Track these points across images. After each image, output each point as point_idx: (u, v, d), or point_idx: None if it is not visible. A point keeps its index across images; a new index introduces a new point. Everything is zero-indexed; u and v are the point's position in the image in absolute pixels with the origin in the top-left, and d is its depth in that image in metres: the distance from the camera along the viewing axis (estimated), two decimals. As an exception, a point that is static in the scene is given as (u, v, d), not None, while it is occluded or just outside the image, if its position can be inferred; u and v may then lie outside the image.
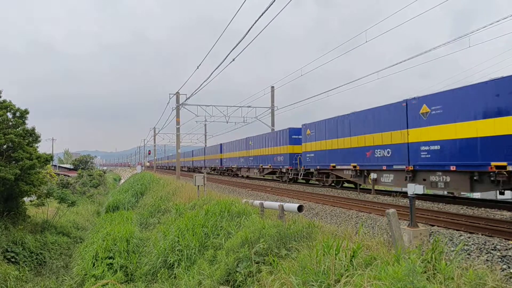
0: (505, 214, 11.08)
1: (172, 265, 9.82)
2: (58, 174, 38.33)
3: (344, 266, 5.00)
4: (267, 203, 11.05)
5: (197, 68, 23.90)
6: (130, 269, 11.89)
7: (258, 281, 6.53)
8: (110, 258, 12.43)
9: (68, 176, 42.05)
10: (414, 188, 8.32)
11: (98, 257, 12.43)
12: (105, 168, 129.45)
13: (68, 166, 77.74)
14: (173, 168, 69.84)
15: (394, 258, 4.56)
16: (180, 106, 35.14)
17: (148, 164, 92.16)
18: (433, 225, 9.38)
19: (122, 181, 73.93)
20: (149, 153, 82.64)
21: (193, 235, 10.07)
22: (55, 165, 67.06)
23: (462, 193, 17.72)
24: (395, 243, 5.96)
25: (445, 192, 17.12)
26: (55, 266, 15.67)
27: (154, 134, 66.92)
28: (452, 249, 6.76)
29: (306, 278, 5.14)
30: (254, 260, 7.17)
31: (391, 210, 6.30)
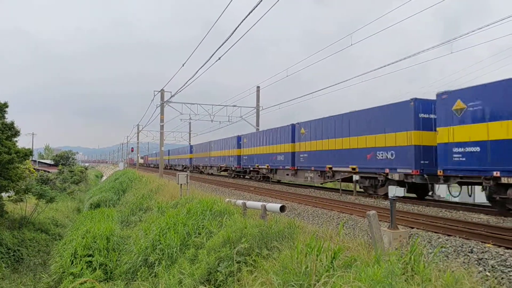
0: (482, 218, 11.33)
1: (153, 264, 9.73)
2: (38, 170, 37.57)
3: (325, 267, 5.04)
4: (249, 203, 11.06)
5: (182, 65, 23.75)
6: (109, 267, 11.75)
7: (238, 281, 6.53)
8: (89, 256, 12.25)
9: (48, 172, 41.25)
10: (395, 191, 8.42)
11: (77, 254, 12.24)
12: (87, 164, 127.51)
13: (48, 161, 76.31)
14: (167, 167, 70.22)
15: (374, 259, 4.61)
16: (164, 104, 34.85)
17: (142, 161, 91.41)
18: (412, 227, 9.52)
19: (104, 178, 72.95)
20: (132, 151, 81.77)
21: (174, 234, 10.00)
22: (35, 161, 65.75)
23: (441, 196, 18.07)
24: (375, 245, 6.03)
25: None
26: (33, 263, 15.38)
27: (138, 131, 66.22)
28: (430, 251, 6.87)
29: (286, 278, 5.15)
30: (236, 260, 7.16)
31: (372, 212, 6.37)
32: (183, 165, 59.81)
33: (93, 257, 12.08)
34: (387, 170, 16.31)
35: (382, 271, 3.64)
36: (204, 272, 7.42)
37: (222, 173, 42.49)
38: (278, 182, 29.78)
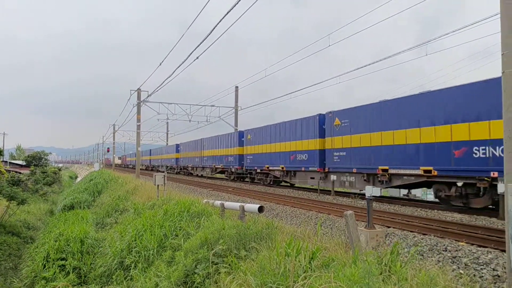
0: (456, 216, 11.60)
1: (129, 267, 9.53)
2: (9, 171, 36.35)
3: (303, 267, 5.02)
4: (228, 204, 10.99)
5: (160, 64, 23.47)
6: (83, 270, 11.45)
7: (216, 283, 6.46)
8: (62, 259, 11.91)
9: (20, 173, 39.99)
10: (371, 191, 8.52)
11: (50, 258, 11.88)
12: (60, 165, 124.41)
13: (20, 162, 73.99)
14: (148, 168, 68.60)
15: (351, 260, 4.63)
16: (141, 103, 34.35)
17: (119, 161, 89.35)
18: (389, 227, 9.65)
19: (78, 179, 71.35)
20: (108, 151, 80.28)
21: (151, 236, 9.82)
22: (6, 161, 63.64)
23: (417, 195, 18.45)
24: (352, 245, 6.07)
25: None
26: (3, 268, 14.83)
27: (114, 131, 65.06)
28: (406, 250, 6.97)
29: (264, 280, 5.11)
30: (213, 261, 7.09)
31: (349, 212, 6.41)
32: (167, 166, 56.55)
33: (66, 260, 11.75)
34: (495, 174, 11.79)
35: (360, 271, 3.64)
36: (181, 274, 7.31)
37: (217, 175, 38.50)
38: (293, 187, 25.98)
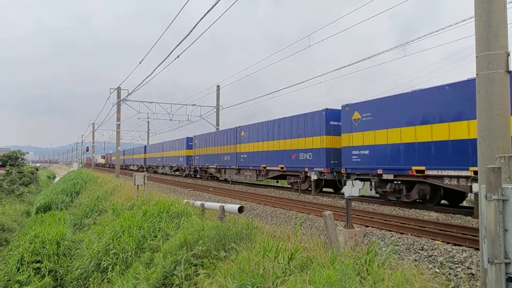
0: (432, 215, 11.80)
1: (106, 269, 9.36)
2: (-17, 171, 35.33)
3: (282, 268, 5.01)
4: (208, 204, 10.92)
5: (140, 63, 23.17)
6: (60, 273, 11.19)
7: (195, 284, 6.40)
8: (37, 262, 11.60)
9: (-6, 173, 38.92)
10: (350, 191, 8.59)
11: (24, 261, 11.56)
12: (38, 165, 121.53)
13: (-6, 162, 71.99)
14: (122, 167, 68.08)
15: (329, 261, 4.63)
16: (121, 102, 33.86)
17: (103, 160, 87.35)
18: (367, 226, 9.75)
19: (57, 179, 69.88)
20: (87, 150, 78.85)
21: (129, 237, 9.67)
22: (-21, 161, 61.81)
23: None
24: (330, 245, 6.09)
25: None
26: (-25, 271, 14.38)
27: (93, 130, 63.92)
28: (384, 249, 7.04)
29: (243, 281, 5.08)
30: (192, 263, 7.03)
31: (328, 212, 6.43)
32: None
33: (41, 263, 11.46)
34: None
35: (337, 273, 3.65)
36: (160, 276, 7.22)
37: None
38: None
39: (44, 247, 12.18)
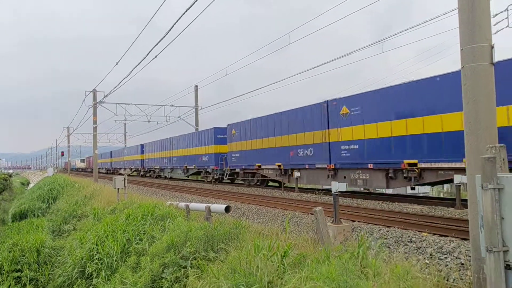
0: (416, 208, 11.99)
1: (91, 275, 9.11)
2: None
3: (276, 266, 4.96)
4: (193, 205, 10.78)
5: (116, 64, 22.71)
6: (41, 281, 10.87)
7: (185, 287, 6.29)
8: (18, 271, 11.23)
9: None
10: (337, 186, 8.61)
11: (3, 270, 11.17)
12: (11, 171, 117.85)
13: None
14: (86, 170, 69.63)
15: (324, 256, 4.61)
16: (97, 104, 33.15)
17: (83, 164, 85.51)
18: (354, 221, 9.81)
19: (31, 185, 67.92)
20: (62, 154, 76.95)
21: (113, 241, 9.43)
22: None
23: (376, 189, 18.85)
24: (322, 241, 6.08)
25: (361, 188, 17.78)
26: None
27: (68, 134, 62.41)
28: (373, 243, 7.08)
29: (236, 281, 5.00)
30: (181, 265, 6.91)
31: (318, 208, 6.42)
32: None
33: (22, 272, 11.09)
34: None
35: (337, 268, 3.61)
36: (148, 280, 7.07)
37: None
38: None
39: (24, 255, 11.80)
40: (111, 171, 62.50)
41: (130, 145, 58.83)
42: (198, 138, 30.36)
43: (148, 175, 45.55)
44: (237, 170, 24.52)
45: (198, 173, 31.43)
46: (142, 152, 46.76)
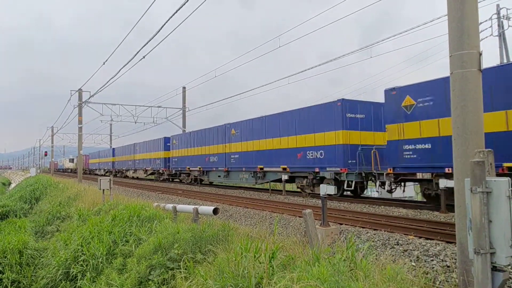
0: (402, 211, 12.13)
1: (75, 277, 8.96)
2: None
3: (264, 268, 4.95)
4: (180, 207, 10.72)
5: (103, 64, 22.49)
6: (24, 284, 10.65)
7: (172, 288, 6.24)
8: (-1, 273, 10.98)
9: None
10: (326, 189, 8.67)
11: (-16, 272, 10.91)
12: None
13: None
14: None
15: (314, 258, 4.62)
16: (83, 104, 32.73)
17: (71, 164, 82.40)
18: (341, 224, 9.87)
19: (12, 185, 66.59)
20: (46, 155, 75.65)
21: (99, 243, 9.30)
22: None
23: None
24: (311, 243, 6.10)
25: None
26: None
27: (52, 134, 61.44)
28: (361, 246, 7.14)
29: (224, 283, 4.98)
30: (168, 267, 6.86)
31: (308, 211, 6.45)
32: (105, 169, 66.48)
33: (3, 273, 10.85)
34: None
35: (328, 269, 3.63)
36: (135, 281, 7.00)
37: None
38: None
39: (5, 257, 11.55)
40: (113, 173, 57.37)
41: (115, 146, 58.35)
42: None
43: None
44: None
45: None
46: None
